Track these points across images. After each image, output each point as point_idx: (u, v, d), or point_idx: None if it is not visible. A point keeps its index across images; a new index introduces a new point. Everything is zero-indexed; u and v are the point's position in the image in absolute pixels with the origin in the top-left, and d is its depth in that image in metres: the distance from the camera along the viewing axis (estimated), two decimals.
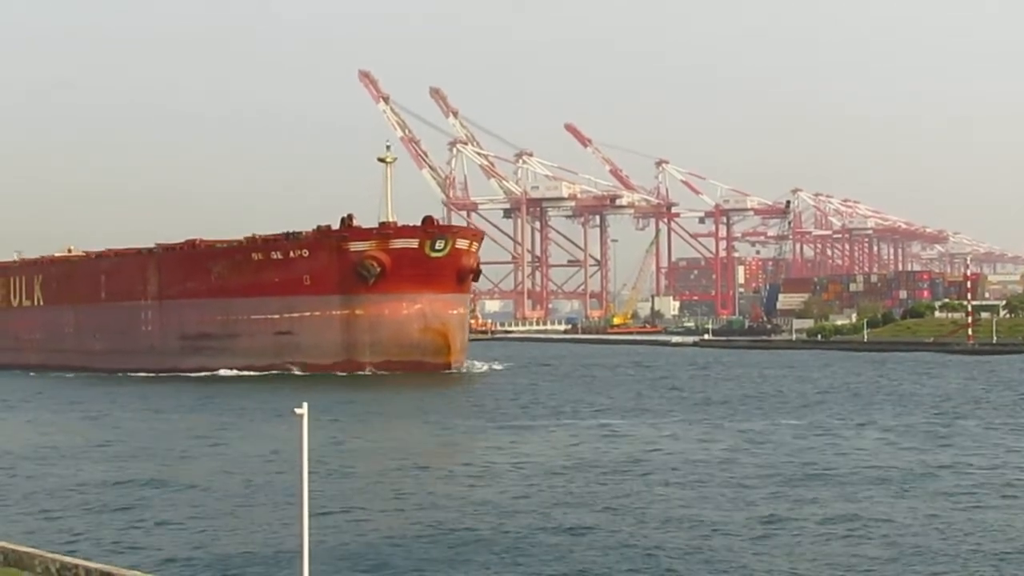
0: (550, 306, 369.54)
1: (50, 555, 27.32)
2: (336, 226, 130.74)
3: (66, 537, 40.36)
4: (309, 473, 24.02)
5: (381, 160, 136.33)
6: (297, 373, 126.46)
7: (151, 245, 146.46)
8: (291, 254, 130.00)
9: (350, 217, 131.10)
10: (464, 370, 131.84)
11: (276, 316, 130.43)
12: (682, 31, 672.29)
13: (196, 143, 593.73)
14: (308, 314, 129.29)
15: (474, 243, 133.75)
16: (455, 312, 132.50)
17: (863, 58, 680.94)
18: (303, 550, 23.66)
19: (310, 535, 24.04)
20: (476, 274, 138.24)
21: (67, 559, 26.77)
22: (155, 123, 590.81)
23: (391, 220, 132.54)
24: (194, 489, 50.76)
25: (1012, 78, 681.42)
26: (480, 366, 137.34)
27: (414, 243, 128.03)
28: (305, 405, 23.51)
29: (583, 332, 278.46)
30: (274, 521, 42.78)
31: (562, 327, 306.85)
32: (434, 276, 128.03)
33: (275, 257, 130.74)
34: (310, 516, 24.02)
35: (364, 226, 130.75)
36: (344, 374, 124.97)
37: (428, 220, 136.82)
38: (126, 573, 25.31)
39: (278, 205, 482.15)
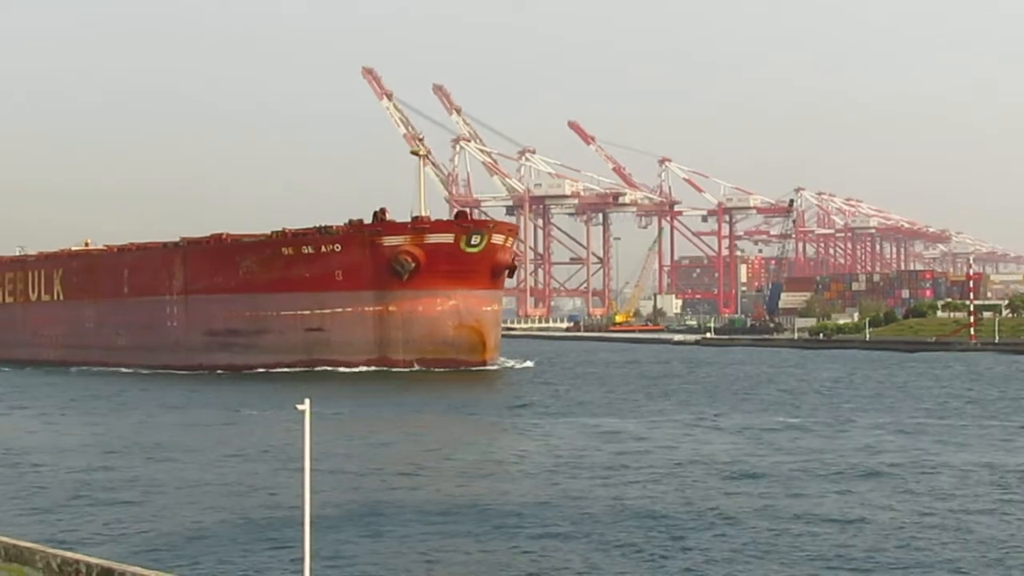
0: (552, 304, 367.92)
1: (51, 550, 26.77)
2: (363, 221, 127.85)
3: (67, 534, 39.94)
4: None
5: (414, 153, 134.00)
6: (328, 370, 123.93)
7: (175, 239, 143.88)
8: (322, 249, 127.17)
9: (383, 211, 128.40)
10: (498, 367, 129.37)
11: (307, 312, 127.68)
12: (684, 30, 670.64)
13: (193, 140, 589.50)
14: (340, 310, 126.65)
15: (509, 238, 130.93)
16: (489, 308, 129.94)
17: (866, 57, 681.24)
18: (304, 546, 23.25)
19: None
20: (512, 270, 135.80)
21: (68, 554, 26.27)
22: (153, 120, 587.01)
23: (424, 214, 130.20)
24: (206, 484, 50.73)
25: (1015, 77, 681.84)
26: (517, 363, 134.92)
27: (449, 238, 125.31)
28: (307, 401, 22.93)
29: (585, 330, 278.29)
30: (279, 517, 42.35)
31: (564, 325, 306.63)
32: (469, 272, 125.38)
33: (306, 252, 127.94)
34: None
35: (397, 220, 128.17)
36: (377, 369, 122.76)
37: (461, 215, 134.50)
38: (127, 568, 24.79)
39: (282, 202, 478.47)
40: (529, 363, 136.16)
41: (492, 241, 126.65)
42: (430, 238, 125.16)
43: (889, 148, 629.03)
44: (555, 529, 40.09)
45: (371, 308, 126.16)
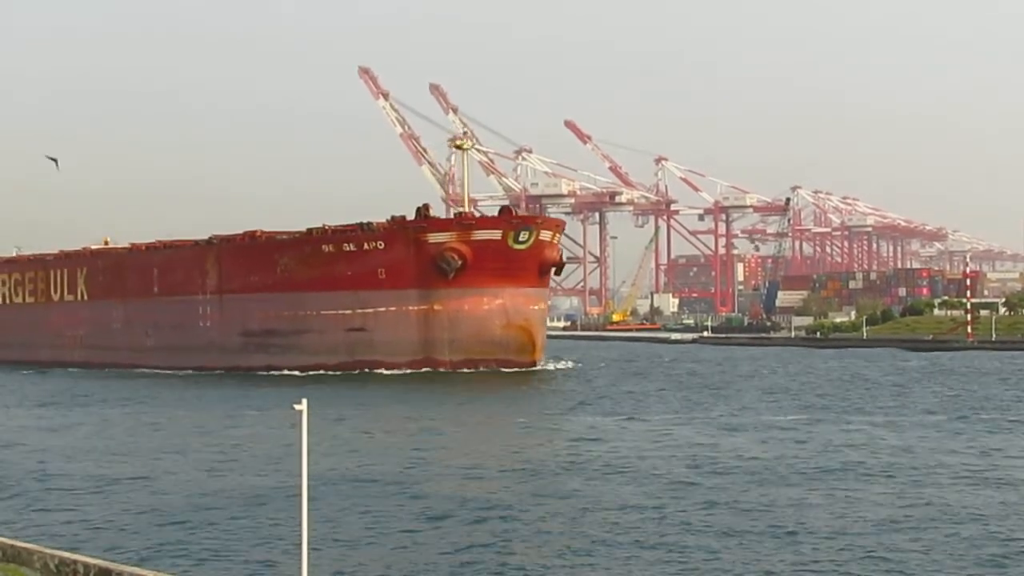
0: (549, 303, 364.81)
1: (49, 551, 26.86)
2: (406, 217, 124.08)
3: (66, 533, 39.67)
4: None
5: (457, 147, 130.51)
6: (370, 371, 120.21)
7: (195, 237, 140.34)
8: (365, 246, 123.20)
9: (426, 207, 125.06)
10: (548, 368, 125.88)
11: (348, 312, 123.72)
12: (682, 29, 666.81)
13: (191, 140, 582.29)
14: (383, 309, 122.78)
15: (557, 234, 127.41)
16: (537, 307, 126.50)
17: (863, 56, 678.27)
18: (302, 546, 23.21)
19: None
20: (560, 267, 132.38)
21: (65, 554, 26.37)
22: (150, 120, 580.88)
23: (468, 210, 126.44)
24: (208, 483, 49.99)
25: (1015, 77, 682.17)
26: (566, 364, 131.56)
27: (497, 234, 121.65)
28: (305, 401, 22.38)
29: (582, 329, 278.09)
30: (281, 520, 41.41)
31: (561, 324, 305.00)
32: (516, 269, 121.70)
33: (347, 249, 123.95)
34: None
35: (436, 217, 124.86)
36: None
37: (506, 210, 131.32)
38: (125, 568, 24.88)
39: (282, 203, 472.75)
40: (569, 363, 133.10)
41: (540, 237, 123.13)
42: (477, 235, 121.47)
43: (887, 148, 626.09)
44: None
45: (415, 307, 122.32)
